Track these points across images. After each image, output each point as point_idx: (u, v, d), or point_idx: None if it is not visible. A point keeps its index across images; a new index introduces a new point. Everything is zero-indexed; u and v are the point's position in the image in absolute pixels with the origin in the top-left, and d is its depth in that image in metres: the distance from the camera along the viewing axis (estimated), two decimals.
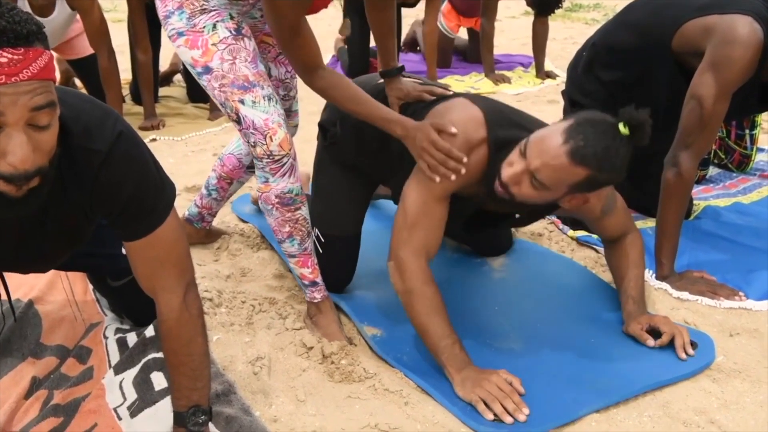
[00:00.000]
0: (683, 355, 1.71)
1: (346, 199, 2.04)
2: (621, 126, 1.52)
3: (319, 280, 1.92)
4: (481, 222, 1.94)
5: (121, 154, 1.27)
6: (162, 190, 1.37)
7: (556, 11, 4.47)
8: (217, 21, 1.76)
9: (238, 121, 1.76)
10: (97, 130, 1.24)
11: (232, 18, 1.78)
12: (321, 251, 2.02)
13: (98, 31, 3.26)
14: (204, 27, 1.76)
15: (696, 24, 1.99)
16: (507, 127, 1.71)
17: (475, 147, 1.68)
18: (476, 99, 1.79)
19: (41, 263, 1.54)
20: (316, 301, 1.91)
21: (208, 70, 1.76)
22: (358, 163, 2.00)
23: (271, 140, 1.74)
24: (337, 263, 2.03)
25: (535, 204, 1.65)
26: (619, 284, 1.91)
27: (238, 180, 2.31)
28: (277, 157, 1.75)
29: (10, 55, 1.01)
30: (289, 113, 2.17)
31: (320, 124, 2.08)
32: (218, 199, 2.32)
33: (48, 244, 1.40)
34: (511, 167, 1.59)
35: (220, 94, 1.76)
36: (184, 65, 4.23)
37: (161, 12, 1.79)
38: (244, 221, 2.57)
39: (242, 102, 1.74)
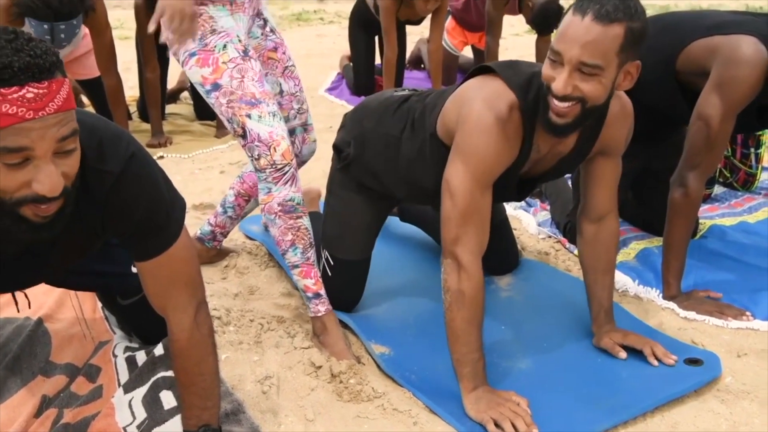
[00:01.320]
0: (655, 362, 1.74)
1: (358, 224, 2.04)
2: None
3: (322, 292, 1.93)
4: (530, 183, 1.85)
5: (133, 175, 1.28)
6: (173, 209, 1.38)
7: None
8: (227, 42, 1.86)
9: (243, 135, 1.84)
10: (111, 151, 1.26)
11: (240, 41, 1.88)
12: (330, 273, 2.03)
13: (109, 53, 3.31)
14: (215, 46, 1.84)
15: (701, 45, 2.00)
16: (521, 73, 1.65)
17: (507, 119, 1.61)
18: (487, 68, 1.72)
19: (44, 278, 1.55)
20: (320, 314, 1.92)
21: (217, 87, 1.84)
22: (371, 185, 2.01)
23: (275, 150, 1.83)
24: (346, 286, 2.05)
25: (593, 108, 1.55)
26: (591, 287, 1.88)
27: (255, 198, 2.33)
28: (279, 166, 1.84)
29: (36, 90, 1.04)
30: (306, 126, 2.21)
31: (335, 146, 2.08)
32: (233, 218, 2.34)
33: (54, 261, 1.41)
34: (557, 79, 1.50)
35: (228, 110, 1.84)
36: (191, 82, 4.27)
37: None
38: (251, 239, 2.58)
39: (249, 116, 1.83)
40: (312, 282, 1.91)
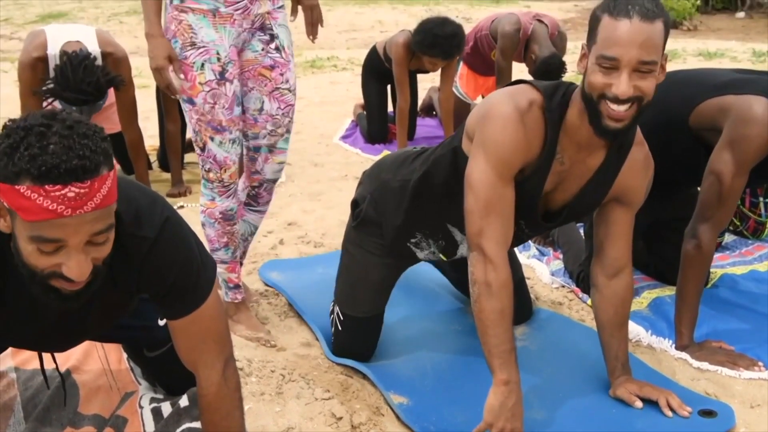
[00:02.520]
0: (669, 413, 1.77)
1: (369, 282, 2.08)
2: None
3: (241, 283, 2.27)
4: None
5: (168, 239, 1.34)
6: (204, 269, 1.44)
7: (562, 77, 4.51)
8: (205, 61, 1.97)
9: (202, 149, 2.10)
10: (147, 217, 1.32)
11: (218, 59, 1.96)
12: (340, 328, 2.08)
13: (131, 109, 3.42)
14: (194, 63, 1.98)
15: (713, 103, 2.08)
16: (552, 85, 1.70)
17: (526, 111, 1.64)
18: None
19: (80, 339, 1.61)
20: (236, 301, 2.26)
21: (191, 102, 2.04)
22: (385, 241, 2.04)
23: (225, 172, 2.12)
24: (356, 341, 2.10)
25: (647, 105, 1.59)
26: (606, 341, 1.90)
27: (242, 219, 2.38)
28: (226, 184, 2.14)
29: (77, 190, 1.09)
30: (274, 149, 2.25)
31: (352, 202, 2.14)
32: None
33: (90, 323, 1.47)
34: (617, 83, 1.53)
35: (196, 124, 2.07)
36: None
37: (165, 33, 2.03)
38: (269, 286, 2.63)
39: (212, 139, 2.07)
40: (235, 276, 2.26)
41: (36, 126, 1.08)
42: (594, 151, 1.69)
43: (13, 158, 1.07)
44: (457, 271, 2.30)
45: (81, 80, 2.97)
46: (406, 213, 1.96)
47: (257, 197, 2.33)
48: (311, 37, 2.22)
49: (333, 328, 2.15)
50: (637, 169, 1.78)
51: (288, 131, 2.24)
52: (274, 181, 2.33)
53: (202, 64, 1.97)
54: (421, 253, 2.04)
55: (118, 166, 3.92)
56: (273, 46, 2.11)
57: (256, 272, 2.75)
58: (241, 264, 2.46)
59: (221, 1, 1.97)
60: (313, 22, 2.19)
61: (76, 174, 1.08)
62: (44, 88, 3.08)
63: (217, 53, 1.97)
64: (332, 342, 2.17)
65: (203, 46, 1.97)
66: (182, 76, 2.03)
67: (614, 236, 1.85)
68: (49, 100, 3.14)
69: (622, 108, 1.56)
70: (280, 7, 2.12)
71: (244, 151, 2.28)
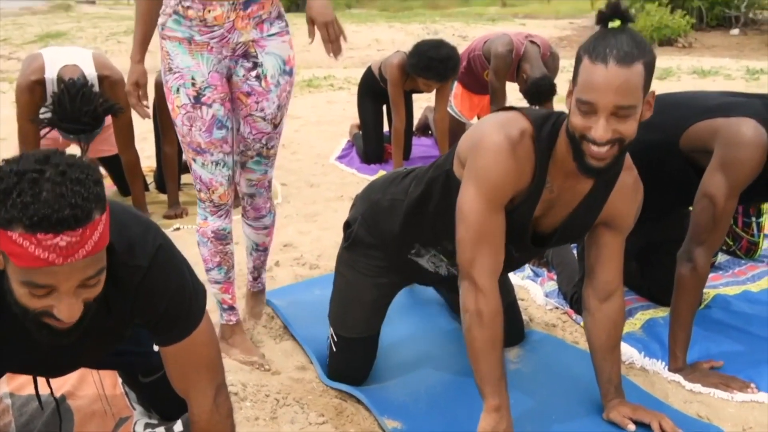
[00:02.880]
0: None
1: (362, 302, 2.09)
2: (612, 24, 1.56)
3: (236, 305, 2.29)
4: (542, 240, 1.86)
5: (160, 267, 1.36)
6: (196, 296, 1.46)
7: (552, 98, 4.53)
8: (180, 85, 2.04)
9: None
10: (140, 246, 1.33)
11: (193, 84, 2.04)
12: (334, 350, 2.08)
13: (127, 132, 3.45)
14: (171, 86, 2.07)
15: (703, 126, 2.10)
16: (543, 114, 1.72)
17: (518, 141, 1.66)
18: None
19: (76, 367, 1.62)
20: (231, 323, 2.29)
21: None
22: (376, 261, 2.06)
23: (213, 193, 2.16)
24: (351, 363, 2.11)
25: (629, 143, 1.60)
26: (599, 363, 1.91)
27: (243, 232, 2.43)
28: (217, 204, 2.18)
29: (69, 238, 1.09)
30: (245, 166, 2.27)
31: (344, 223, 2.16)
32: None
33: (85, 352, 1.48)
34: (595, 127, 1.55)
35: (182, 143, 2.14)
36: None
37: None
38: (274, 311, 2.60)
39: (194, 161, 2.13)
40: (229, 297, 2.29)
41: (29, 172, 1.08)
42: (582, 178, 1.71)
43: (6, 205, 1.07)
44: (453, 291, 2.30)
45: (78, 109, 2.99)
46: (401, 228, 1.98)
47: (244, 209, 2.37)
48: (331, 54, 2.09)
49: (328, 351, 2.16)
50: (626, 194, 1.79)
51: (260, 155, 2.23)
52: (252, 196, 2.33)
53: (178, 89, 2.05)
54: (423, 260, 2.03)
55: (114, 188, 3.95)
56: (254, 74, 2.10)
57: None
58: (253, 278, 2.53)
59: (195, 29, 2.01)
60: (332, 39, 2.07)
61: (68, 223, 1.08)
62: (41, 116, 3.10)
63: (192, 78, 2.03)
64: (327, 365, 2.18)
65: (178, 72, 2.04)
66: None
67: (605, 260, 1.86)
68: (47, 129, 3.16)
69: (603, 149, 1.57)
70: (272, 35, 2.10)
71: None
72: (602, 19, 1.58)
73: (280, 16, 2.12)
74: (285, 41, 2.14)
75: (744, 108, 2.04)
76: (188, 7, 1.99)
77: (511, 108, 1.77)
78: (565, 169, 1.69)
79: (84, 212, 1.10)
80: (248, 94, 2.12)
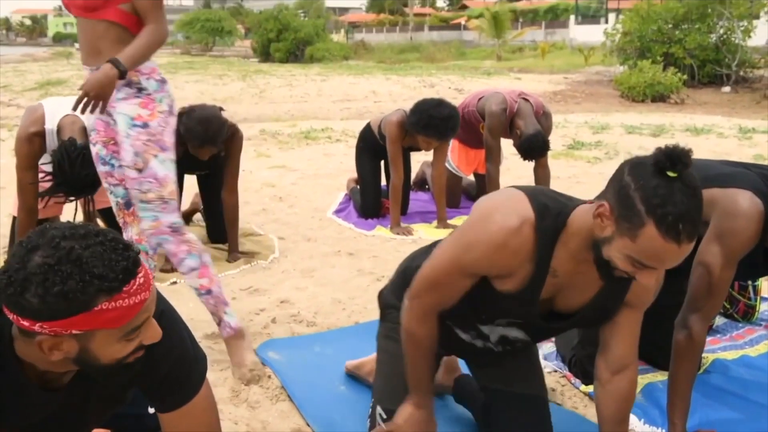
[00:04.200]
0: None
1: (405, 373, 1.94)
2: (671, 173, 1.47)
3: (213, 288, 2.47)
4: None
5: (163, 333, 1.36)
6: (196, 363, 1.46)
7: (546, 154, 4.56)
8: (163, 96, 2.44)
9: (141, 170, 2.37)
10: None
11: (162, 101, 2.43)
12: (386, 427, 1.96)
13: None
14: (156, 98, 2.42)
15: None
16: (550, 200, 1.68)
17: (514, 234, 1.62)
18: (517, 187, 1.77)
19: (78, 430, 1.60)
20: (210, 305, 2.49)
21: (146, 125, 2.38)
22: None
23: (165, 188, 2.40)
24: None
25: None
26: None
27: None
28: (167, 199, 2.40)
29: (141, 274, 1.21)
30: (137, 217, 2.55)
31: (379, 293, 2.15)
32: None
33: (87, 416, 1.47)
34: (643, 275, 1.56)
35: (143, 146, 2.36)
36: (203, 205, 4.40)
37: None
38: (264, 365, 2.59)
39: (156, 157, 2.37)
40: (207, 281, 2.46)
41: (73, 249, 1.14)
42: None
43: (78, 290, 1.13)
44: (482, 366, 2.11)
45: (78, 173, 3.01)
46: None
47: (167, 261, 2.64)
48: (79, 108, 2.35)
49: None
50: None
51: (140, 200, 2.43)
52: (159, 244, 2.52)
53: (161, 99, 2.44)
54: (463, 333, 1.94)
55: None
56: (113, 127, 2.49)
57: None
58: (218, 325, 2.57)
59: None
60: (83, 101, 2.28)
61: (135, 262, 1.20)
62: (41, 180, 3.12)
63: (162, 99, 2.46)
64: None
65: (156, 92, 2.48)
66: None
67: (621, 335, 1.84)
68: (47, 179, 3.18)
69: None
70: (119, 99, 2.38)
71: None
72: (661, 168, 1.47)
73: (129, 84, 2.39)
74: (133, 103, 2.41)
75: (741, 179, 2.08)
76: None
77: (517, 188, 1.73)
78: (576, 258, 1.67)
79: (134, 252, 1.21)
80: (115, 143, 2.50)
